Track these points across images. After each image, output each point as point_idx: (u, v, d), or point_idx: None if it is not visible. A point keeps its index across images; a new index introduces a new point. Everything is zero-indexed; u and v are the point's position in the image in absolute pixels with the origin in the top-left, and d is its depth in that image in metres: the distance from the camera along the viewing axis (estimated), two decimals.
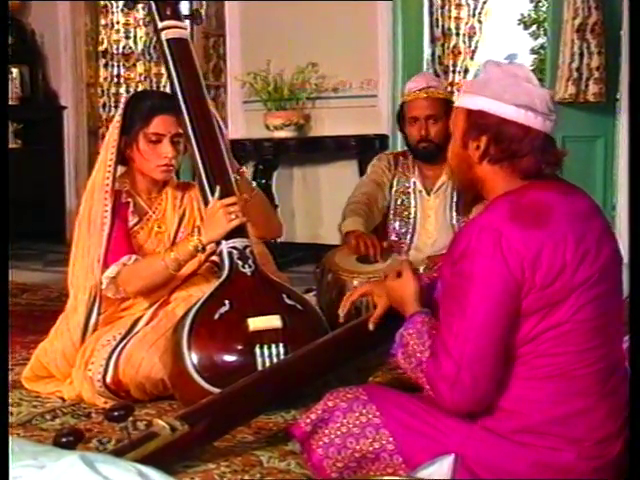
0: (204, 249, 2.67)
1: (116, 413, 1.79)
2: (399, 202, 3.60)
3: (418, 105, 3.48)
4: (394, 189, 3.60)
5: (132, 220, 2.85)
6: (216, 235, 2.65)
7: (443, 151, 3.48)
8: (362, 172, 5.41)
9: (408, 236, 3.57)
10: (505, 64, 1.87)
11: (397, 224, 3.59)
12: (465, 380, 1.70)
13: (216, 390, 2.28)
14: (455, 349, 1.70)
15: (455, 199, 3.50)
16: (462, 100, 1.88)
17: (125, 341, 2.63)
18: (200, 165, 2.76)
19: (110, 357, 2.59)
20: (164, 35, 2.93)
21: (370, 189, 3.59)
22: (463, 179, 1.90)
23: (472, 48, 6.12)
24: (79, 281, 2.76)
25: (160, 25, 2.95)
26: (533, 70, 1.88)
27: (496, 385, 1.73)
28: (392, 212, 3.60)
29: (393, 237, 3.58)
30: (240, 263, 2.64)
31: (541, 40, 14.93)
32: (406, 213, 3.58)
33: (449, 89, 5.65)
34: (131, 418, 1.79)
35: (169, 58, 2.90)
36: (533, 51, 15.65)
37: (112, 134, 2.81)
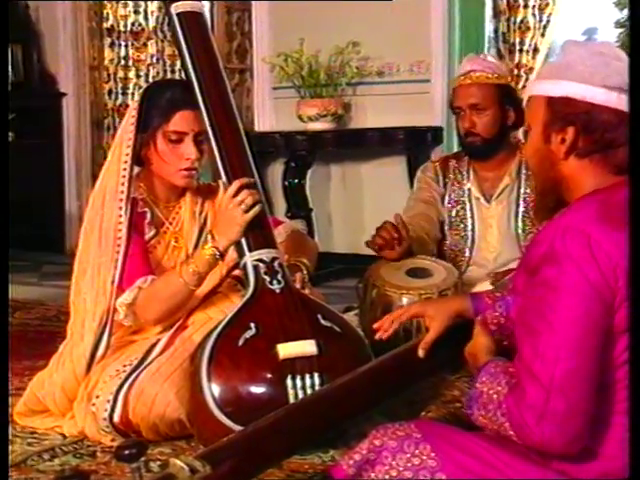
0: (222, 256, 2.68)
1: (127, 452, 1.80)
2: (453, 214, 3.61)
3: (461, 93, 3.51)
4: (447, 200, 3.62)
5: (148, 233, 2.85)
6: (233, 234, 2.65)
7: (493, 146, 3.50)
8: (411, 170, 5.43)
9: (466, 251, 3.59)
10: (588, 43, 1.87)
11: (453, 239, 3.61)
12: (558, 409, 1.67)
13: (240, 428, 2.27)
14: (543, 372, 1.68)
15: (522, 204, 3.50)
16: (540, 87, 1.88)
17: (136, 373, 2.62)
18: (220, 164, 2.77)
19: (119, 392, 2.59)
20: (174, 8, 2.94)
21: (418, 210, 3.61)
22: (545, 179, 1.90)
23: (543, 23, 6.07)
24: (87, 305, 2.75)
25: None
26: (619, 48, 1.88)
27: (591, 418, 1.72)
28: (447, 226, 3.63)
29: (450, 253, 3.60)
30: (267, 279, 2.64)
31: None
32: (462, 225, 3.60)
33: (515, 72, 5.63)
34: (144, 458, 1.81)
35: (180, 36, 2.91)
36: (619, 24, 15.50)
37: (126, 131, 2.80)
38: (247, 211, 2.64)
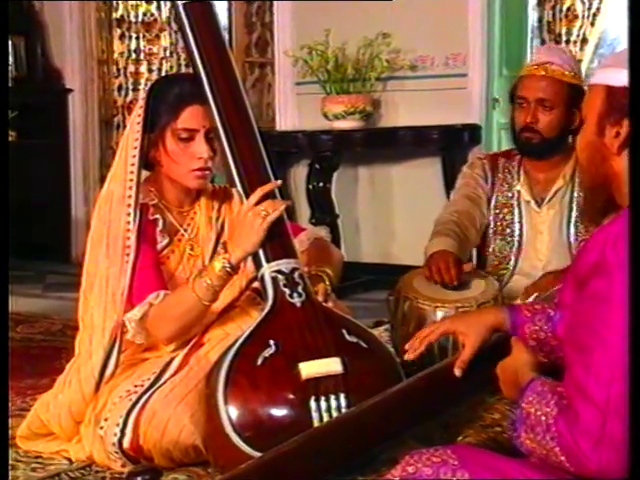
0: (233, 269, 2.66)
1: (139, 478, 1.83)
2: (500, 217, 3.59)
3: (530, 84, 3.48)
4: (493, 202, 3.61)
5: (161, 242, 2.85)
6: (250, 245, 2.63)
7: (550, 147, 3.48)
8: (446, 173, 5.43)
9: (512, 259, 3.57)
10: None
11: (498, 244, 3.59)
12: (616, 433, 1.65)
13: (259, 454, 2.27)
14: (598, 393, 1.67)
15: (576, 209, 3.48)
16: (600, 75, 1.87)
17: (148, 394, 2.61)
18: (233, 167, 2.77)
19: (129, 415, 2.58)
20: None
21: (462, 206, 3.59)
22: (595, 175, 1.89)
23: (592, 10, 6.06)
24: (95, 320, 2.75)
25: None
26: None
27: None
28: (492, 230, 3.61)
29: (493, 260, 3.58)
30: (287, 291, 2.63)
31: None
32: (509, 230, 3.58)
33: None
34: None
35: (187, 28, 2.90)
36: None
37: (132, 131, 2.80)
38: (265, 220, 2.62)
